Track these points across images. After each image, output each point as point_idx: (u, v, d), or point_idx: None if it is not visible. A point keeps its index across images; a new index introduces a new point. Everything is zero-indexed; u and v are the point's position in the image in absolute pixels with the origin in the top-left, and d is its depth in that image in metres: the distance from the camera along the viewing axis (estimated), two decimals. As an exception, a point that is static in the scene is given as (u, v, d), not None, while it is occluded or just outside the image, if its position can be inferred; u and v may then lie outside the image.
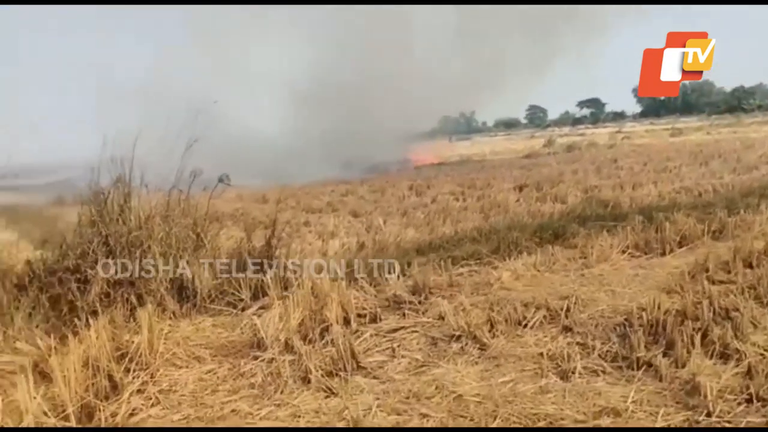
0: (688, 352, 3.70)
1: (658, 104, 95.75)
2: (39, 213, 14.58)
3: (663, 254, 6.31)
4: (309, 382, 3.68)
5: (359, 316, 4.78)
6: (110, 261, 4.75)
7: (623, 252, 6.30)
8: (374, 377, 3.77)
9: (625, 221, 7.63)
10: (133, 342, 4.06)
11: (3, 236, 11.01)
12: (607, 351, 3.90)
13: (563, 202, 10.25)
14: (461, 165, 21.04)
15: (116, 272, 4.70)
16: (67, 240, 4.91)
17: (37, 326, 4.44)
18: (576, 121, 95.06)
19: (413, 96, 22.21)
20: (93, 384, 3.63)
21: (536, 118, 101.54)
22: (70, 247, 4.82)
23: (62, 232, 7.18)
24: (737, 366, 3.54)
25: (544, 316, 4.50)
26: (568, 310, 4.55)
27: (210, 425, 3.35)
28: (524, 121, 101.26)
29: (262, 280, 5.28)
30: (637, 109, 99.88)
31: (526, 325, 4.38)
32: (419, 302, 5.06)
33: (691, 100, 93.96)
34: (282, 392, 3.60)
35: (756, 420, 3.00)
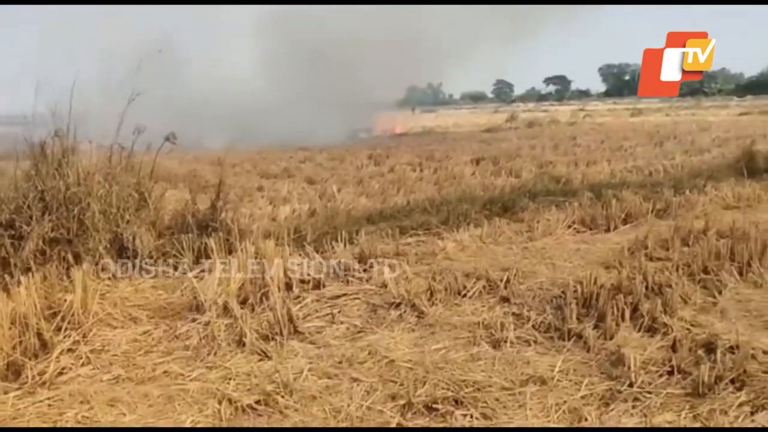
0: (617, 324, 3.80)
1: (621, 84, 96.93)
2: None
3: (607, 230, 6.42)
4: (243, 345, 3.67)
5: (302, 282, 4.76)
6: (46, 217, 4.62)
7: (569, 227, 6.39)
8: (310, 342, 3.79)
9: (575, 197, 7.75)
10: (65, 300, 3.98)
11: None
12: (541, 322, 3.97)
13: (517, 177, 10.34)
14: (422, 136, 21.01)
15: (52, 229, 4.57)
16: (0, 194, 4.75)
17: (-34, 282, 4.32)
18: (541, 98, 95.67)
19: (382, 63, 21.89)
20: (21, 342, 3.56)
21: (503, 93, 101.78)
22: (4, 202, 4.67)
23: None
24: (663, 339, 3.64)
25: (484, 287, 4.56)
26: (507, 281, 4.61)
27: (140, 386, 3.32)
28: (491, 96, 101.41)
29: (206, 243, 5.22)
30: (602, 88, 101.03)
31: (465, 295, 4.43)
32: (364, 270, 5.06)
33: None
34: (215, 354, 3.59)
35: (675, 391, 3.09)
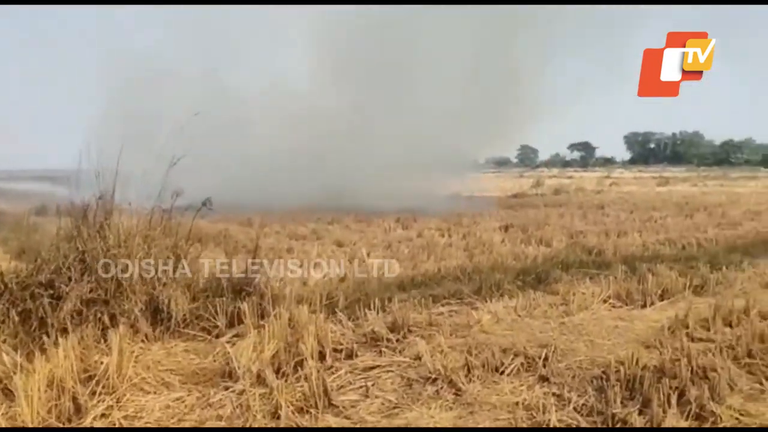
0: (664, 411, 3.66)
1: (647, 152, 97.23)
2: (18, 221, 14.36)
3: (644, 306, 6.29)
4: (278, 418, 3.59)
5: (335, 350, 4.71)
6: (85, 278, 4.66)
7: (604, 301, 6.29)
8: (345, 417, 3.70)
9: (608, 269, 7.66)
10: (101, 363, 3.97)
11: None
12: (583, 404, 3.85)
13: (548, 246, 10.25)
14: (449, 200, 21.06)
15: (90, 290, 4.60)
16: (42, 253, 4.81)
17: (4, 341, 4.34)
18: (566, 164, 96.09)
19: (411, 130, 21.90)
20: (56, 405, 3.54)
21: (527, 158, 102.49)
22: (45, 261, 4.72)
23: (39, 244, 7.09)
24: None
25: (522, 364, 4.46)
26: (546, 359, 4.50)
27: (173, 457, 3.26)
28: (515, 160, 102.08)
29: (239, 307, 5.21)
30: (627, 155, 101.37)
31: (503, 372, 4.33)
32: (397, 340, 5.00)
33: (680, 150, 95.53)
34: (250, 426, 3.52)
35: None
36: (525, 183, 35.19)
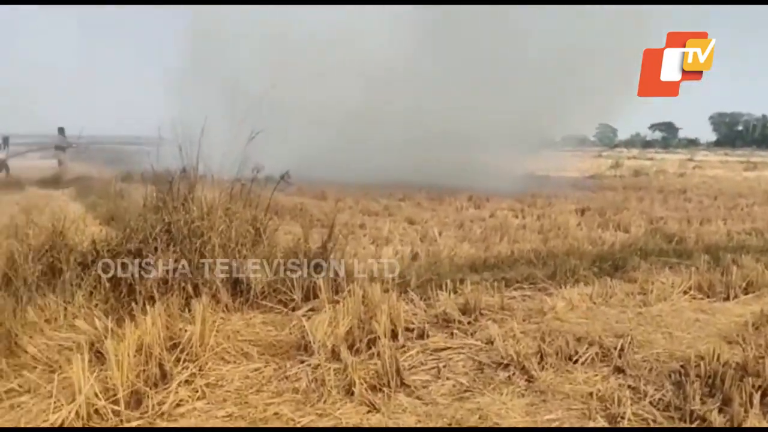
0: (746, 411, 3.54)
1: (734, 134, 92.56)
2: (106, 187, 15.09)
3: (727, 299, 6.06)
4: (352, 394, 3.68)
5: (407, 330, 4.76)
6: (170, 248, 4.87)
7: (685, 292, 6.08)
8: (417, 397, 3.75)
9: (689, 259, 7.41)
10: (185, 332, 4.16)
11: (72, 207, 11.48)
12: (660, 399, 3.76)
13: (626, 231, 9.98)
14: (523, 179, 20.67)
15: (175, 260, 4.81)
16: (131, 223, 5.05)
17: (96, 306, 4.60)
18: (646, 144, 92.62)
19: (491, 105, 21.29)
20: (144, 371, 3.72)
21: (605, 137, 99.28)
22: (134, 231, 4.96)
23: (126, 211, 7.44)
24: (798, 433, 3.36)
25: (596, 353, 4.38)
26: (622, 349, 4.42)
27: (251, 425, 3.39)
28: (593, 139, 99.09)
29: (315, 282, 5.34)
30: (712, 137, 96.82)
31: (576, 361, 4.27)
32: (468, 323, 5.01)
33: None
34: (325, 402, 3.62)
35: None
36: (603, 163, 34.20)
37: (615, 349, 4.43)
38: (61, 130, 21.97)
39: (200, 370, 3.95)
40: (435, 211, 12.52)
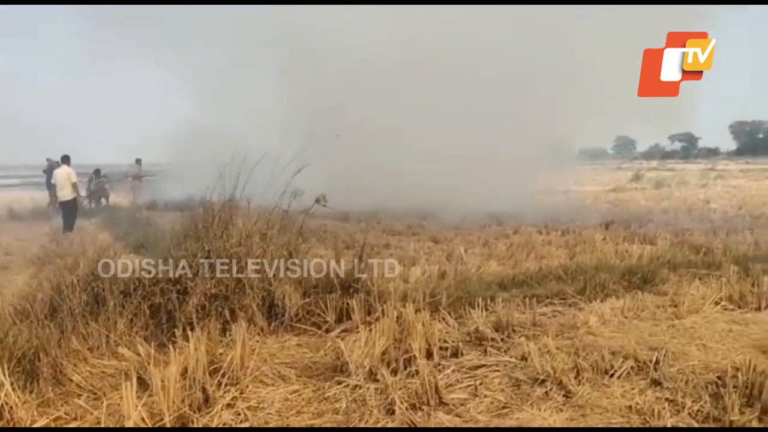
0: (787, 421, 3.54)
1: (755, 142, 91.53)
2: (132, 215, 15.36)
3: (758, 309, 6.04)
4: (393, 413, 3.73)
5: (441, 348, 4.81)
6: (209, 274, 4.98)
7: (716, 303, 6.07)
8: (456, 415, 3.79)
9: (718, 270, 7.39)
10: (226, 356, 4.25)
11: (101, 237, 11.69)
12: (698, 410, 3.77)
13: (652, 244, 9.96)
14: (543, 194, 20.57)
15: (213, 285, 4.92)
16: (171, 251, 5.18)
17: (137, 333, 4.72)
18: (665, 155, 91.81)
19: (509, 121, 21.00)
20: (188, 395, 3.81)
21: (624, 149, 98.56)
22: (174, 258, 5.08)
23: (158, 239, 7.58)
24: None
25: (632, 367, 4.40)
26: (657, 362, 4.43)
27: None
28: (611, 152, 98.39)
29: (347, 303, 5.42)
30: (732, 146, 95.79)
31: (612, 375, 4.29)
32: (502, 340, 5.05)
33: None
34: (366, 422, 3.67)
35: None
36: (623, 176, 34.01)
37: (650, 362, 4.45)
38: (138, 161, 22.53)
39: (241, 393, 4.03)
40: (458, 229, 12.54)
